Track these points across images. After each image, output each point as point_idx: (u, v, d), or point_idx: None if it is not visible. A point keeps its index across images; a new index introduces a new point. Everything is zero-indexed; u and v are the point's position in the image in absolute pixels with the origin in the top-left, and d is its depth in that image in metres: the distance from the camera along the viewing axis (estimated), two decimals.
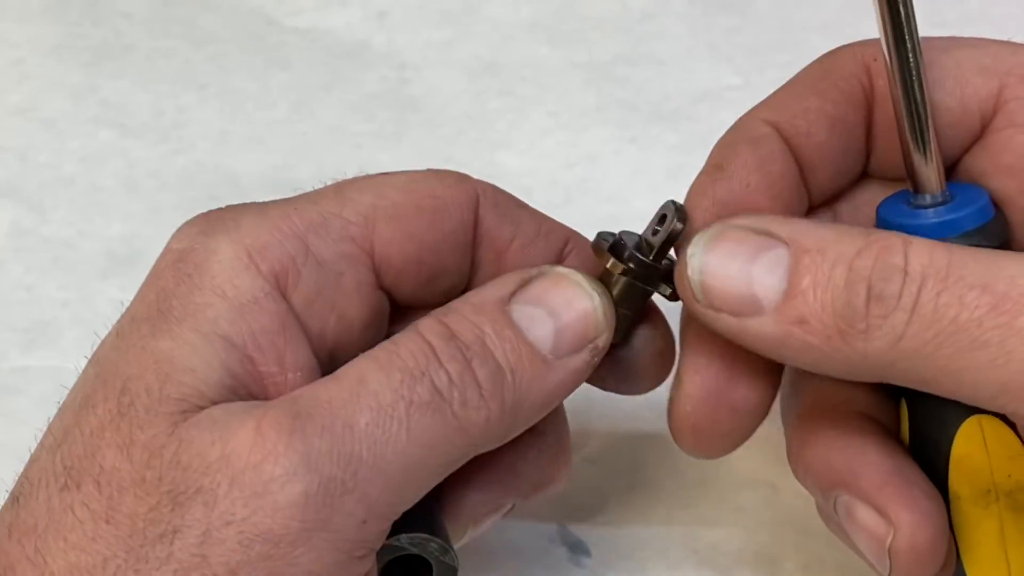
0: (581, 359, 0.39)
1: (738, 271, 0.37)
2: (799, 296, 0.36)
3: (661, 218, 0.40)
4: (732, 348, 0.40)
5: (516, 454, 0.42)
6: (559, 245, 0.43)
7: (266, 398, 0.38)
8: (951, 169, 0.42)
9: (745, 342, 0.38)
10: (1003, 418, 0.39)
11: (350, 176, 0.42)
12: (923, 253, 0.36)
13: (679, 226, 0.40)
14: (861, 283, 0.36)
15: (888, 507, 0.39)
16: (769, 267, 0.37)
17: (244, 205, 0.41)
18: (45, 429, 0.39)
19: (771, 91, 0.43)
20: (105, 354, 0.39)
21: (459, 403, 0.37)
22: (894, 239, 0.36)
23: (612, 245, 0.41)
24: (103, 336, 0.40)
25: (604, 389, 0.43)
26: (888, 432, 0.41)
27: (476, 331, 0.38)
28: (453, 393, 0.37)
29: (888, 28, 0.38)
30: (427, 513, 0.40)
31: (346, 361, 0.38)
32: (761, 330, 0.37)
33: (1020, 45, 0.42)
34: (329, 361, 0.40)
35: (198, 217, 0.41)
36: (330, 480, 0.35)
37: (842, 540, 0.42)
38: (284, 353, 0.38)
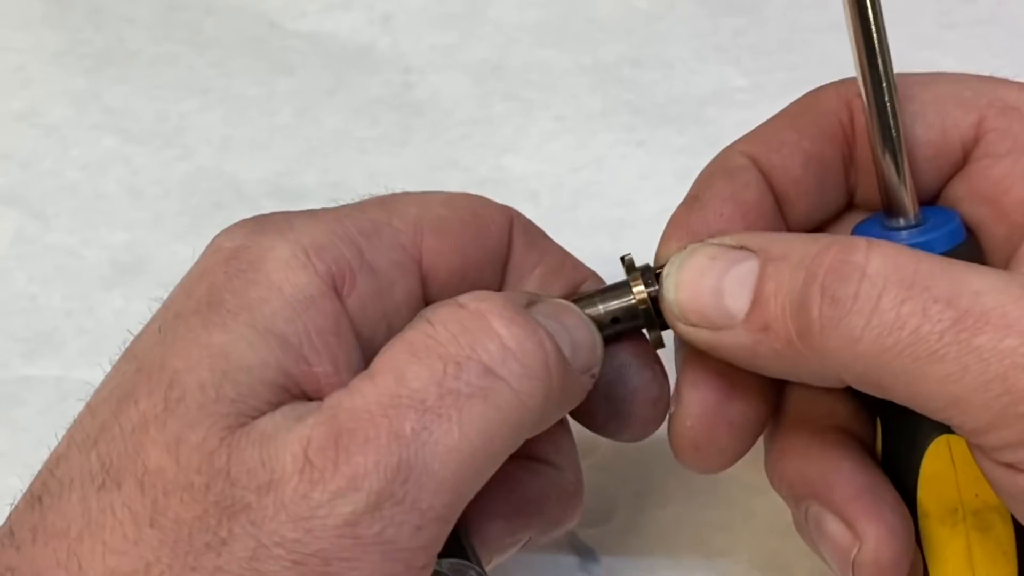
0: (585, 381, 0.39)
1: (710, 286, 0.38)
2: (763, 303, 0.37)
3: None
4: (727, 364, 0.40)
5: (544, 489, 0.42)
6: (578, 281, 0.43)
7: (320, 398, 0.37)
8: (934, 198, 0.43)
9: (723, 355, 0.38)
10: None
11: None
12: (888, 255, 0.36)
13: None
14: (815, 285, 0.36)
15: (856, 520, 0.39)
16: (739, 279, 0.37)
17: (291, 212, 0.40)
18: (71, 426, 0.37)
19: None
20: (146, 348, 0.37)
21: (518, 376, 0.35)
22: (858, 240, 0.37)
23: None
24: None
25: (595, 430, 0.43)
26: (864, 448, 0.42)
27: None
28: (511, 365, 0.35)
29: (859, 44, 0.39)
30: (460, 538, 0.39)
31: None
32: (734, 341, 0.37)
33: (998, 79, 0.42)
34: None
35: (245, 220, 0.40)
36: (378, 495, 0.34)
37: (812, 549, 0.42)
38: (338, 354, 0.37)
